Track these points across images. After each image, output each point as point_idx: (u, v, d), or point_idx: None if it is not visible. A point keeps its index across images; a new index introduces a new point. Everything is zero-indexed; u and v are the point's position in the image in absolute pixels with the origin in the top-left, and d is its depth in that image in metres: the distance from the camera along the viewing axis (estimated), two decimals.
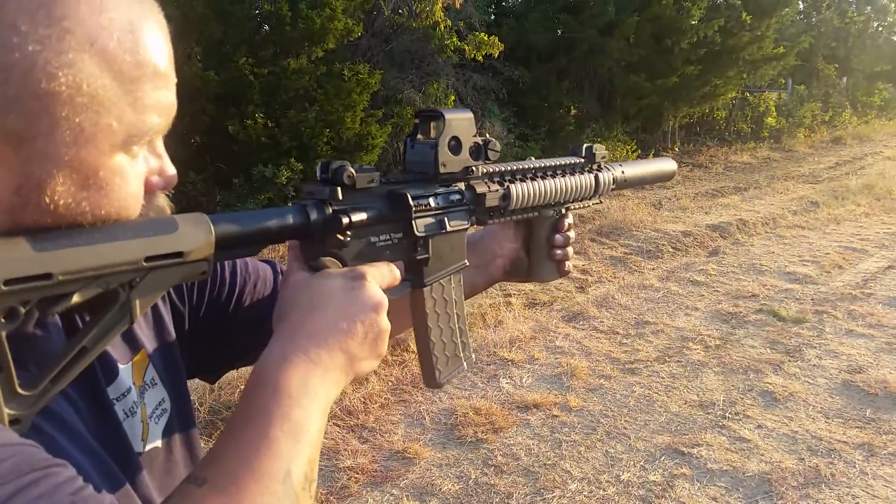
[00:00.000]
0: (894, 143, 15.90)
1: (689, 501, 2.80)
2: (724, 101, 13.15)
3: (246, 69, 6.03)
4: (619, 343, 4.40)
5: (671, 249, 6.56)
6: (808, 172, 11.48)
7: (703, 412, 3.52)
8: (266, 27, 6.68)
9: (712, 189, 9.65)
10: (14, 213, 0.53)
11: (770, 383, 3.83)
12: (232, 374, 2.88)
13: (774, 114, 14.99)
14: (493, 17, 10.88)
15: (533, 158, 1.00)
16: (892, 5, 23.59)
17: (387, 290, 0.75)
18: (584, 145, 1.07)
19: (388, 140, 6.97)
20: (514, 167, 0.96)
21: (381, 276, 0.76)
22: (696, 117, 13.54)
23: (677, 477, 2.96)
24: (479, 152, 0.89)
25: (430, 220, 0.84)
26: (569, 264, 1.08)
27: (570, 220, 1.06)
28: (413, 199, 0.81)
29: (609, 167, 1.10)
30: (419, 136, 0.88)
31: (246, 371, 0.69)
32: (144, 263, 0.58)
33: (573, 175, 1.04)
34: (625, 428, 3.36)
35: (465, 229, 0.89)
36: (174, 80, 0.62)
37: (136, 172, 0.60)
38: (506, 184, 0.94)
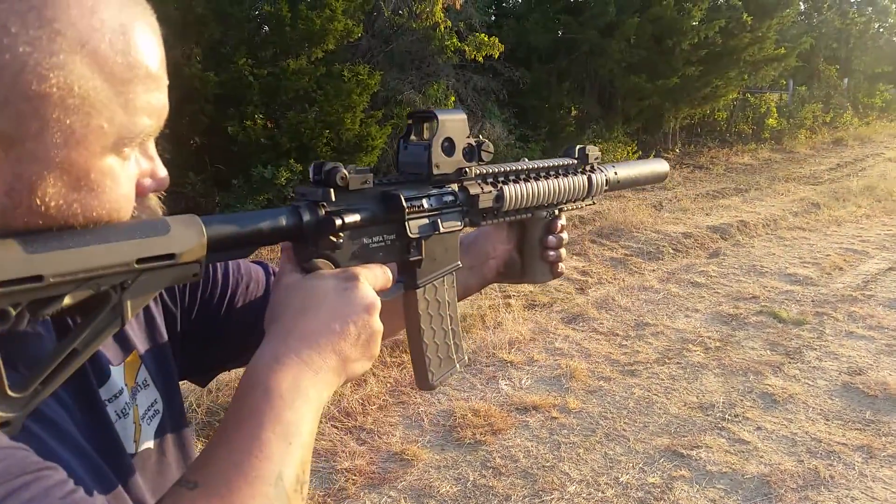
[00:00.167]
0: (895, 144, 15.90)
1: (687, 503, 2.80)
2: (725, 103, 13.14)
3: (245, 70, 6.04)
4: (619, 345, 4.40)
5: (671, 251, 6.56)
6: (809, 174, 11.47)
7: (702, 414, 3.51)
8: (266, 28, 6.69)
9: (713, 190, 9.64)
10: (5, 214, 0.53)
11: (770, 385, 3.82)
12: (229, 376, 2.88)
13: (775, 115, 15.00)
14: (493, 17, 10.90)
15: (526, 160, 1.00)
16: (894, 6, 23.62)
17: (380, 292, 0.75)
18: (577, 146, 1.07)
19: (388, 141, 6.97)
20: (508, 168, 0.96)
21: (374, 277, 0.76)
22: (697, 118, 13.54)
23: (676, 479, 2.96)
24: (472, 153, 0.89)
25: (424, 221, 0.83)
26: (562, 265, 1.08)
27: (563, 221, 1.06)
28: (406, 200, 0.80)
29: (602, 168, 1.10)
30: (412, 137, 0.87)
31: (241, 373, 0.69)
32: (136, 265, 0.58)
33: (566, 176, 1.04)
34: (624, 430, 3.36)
35: (459, 230, 0.89)
36: (166, 82, 0.61)
37: (127, 174, 0.60)
38: (499, 185, 0.94)
